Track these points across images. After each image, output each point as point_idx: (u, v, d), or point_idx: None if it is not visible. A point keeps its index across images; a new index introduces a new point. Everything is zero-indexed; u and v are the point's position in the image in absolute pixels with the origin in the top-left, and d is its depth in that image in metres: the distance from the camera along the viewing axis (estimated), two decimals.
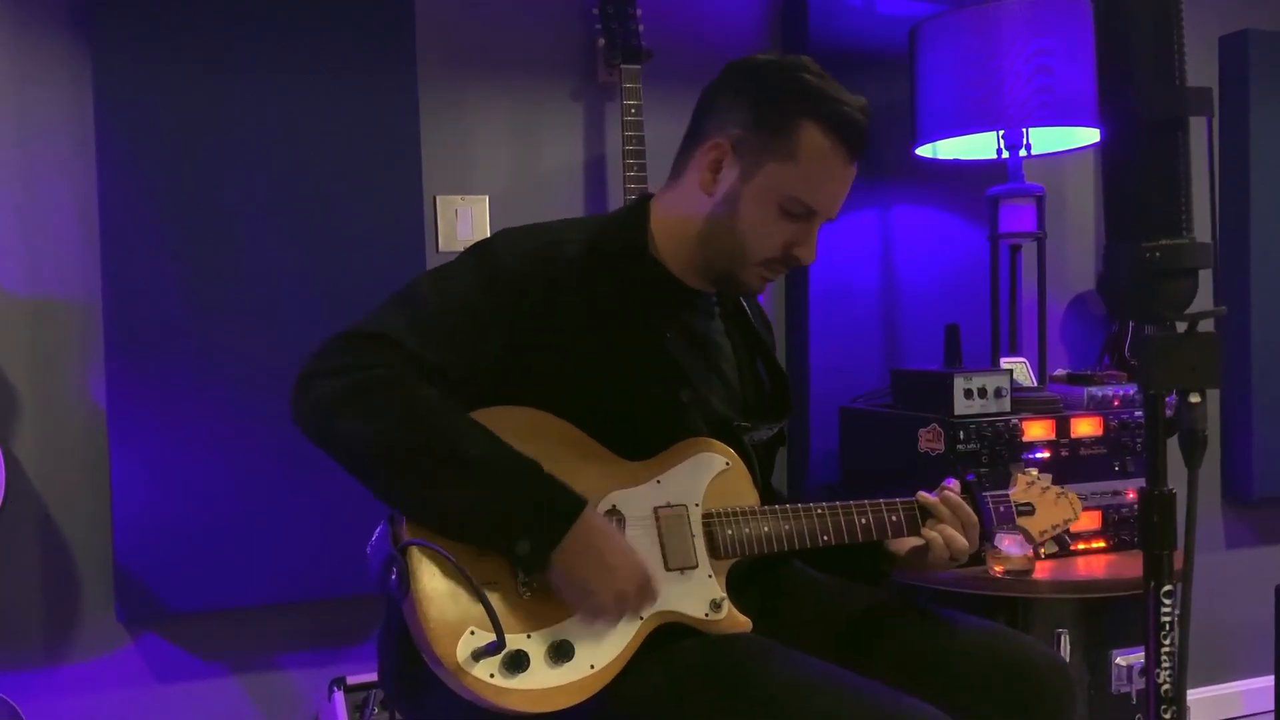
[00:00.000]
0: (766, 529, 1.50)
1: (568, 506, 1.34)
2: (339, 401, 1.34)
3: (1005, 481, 1.71)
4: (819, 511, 1.53)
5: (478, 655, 1.30)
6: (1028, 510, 1.67)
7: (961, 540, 1.56)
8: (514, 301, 1.42)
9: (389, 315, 1.42)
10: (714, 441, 1.52)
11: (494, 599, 1.31)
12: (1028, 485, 1.69)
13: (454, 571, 1.31)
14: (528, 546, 1.32)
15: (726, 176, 1.48)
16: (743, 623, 1.46)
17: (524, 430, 1.39)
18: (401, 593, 1.32)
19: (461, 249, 2.43)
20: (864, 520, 1.55)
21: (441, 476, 1.33)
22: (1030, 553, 2.13)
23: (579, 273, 1.46)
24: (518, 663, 1.31)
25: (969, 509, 1.58)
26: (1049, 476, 1.71)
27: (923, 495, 1.59)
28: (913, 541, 1.60)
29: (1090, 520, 2.32)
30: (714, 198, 1.49)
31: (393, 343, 1.37)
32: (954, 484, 1.64)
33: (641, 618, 1.40)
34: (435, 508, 1.35)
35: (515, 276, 1.43)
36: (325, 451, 1.38)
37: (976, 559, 2.10)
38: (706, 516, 1.48)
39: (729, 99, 1.50)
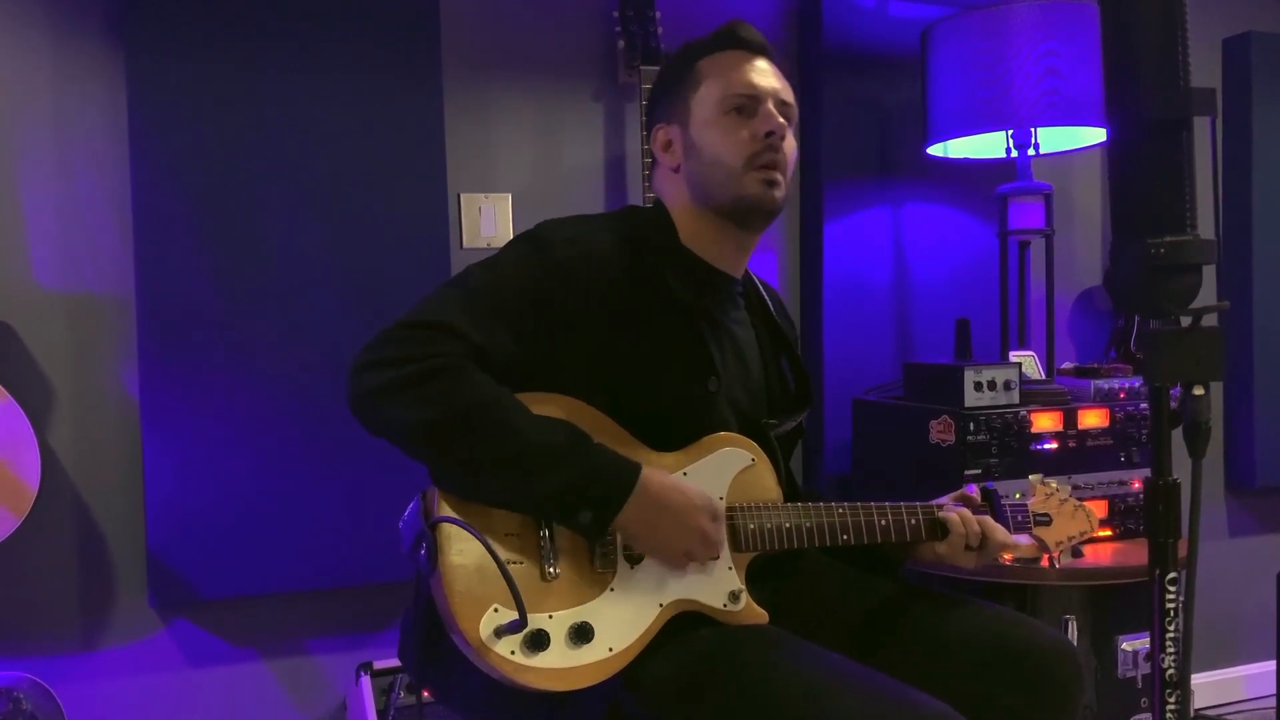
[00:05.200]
0: (787, 525, 1.52)
1: (624, 475, 1.39)
2: (395, 390, 1.36)
3: (1022, 481, 1.70)
4: (840, 510, 1.56)
5: (500, 632, 1.33)
6: (1045, 520, 1.67)
7: (962, 559, 1.60)
8: (561, 285, 1.45)
9: (442, 302, 1.44)
10: (741, 437, 1.54)
11: (519, 578, 1.34)
12: (1046, 496, 1.69)
13: (481, 549, 1.34)
14: (590, 516, 1.36)
15: (675, 140, 1.61)
16: (759, 615, 1.48)
17: (559, 416, 1.42)
18: (430, 567, 1.35)
19: (485, 245, 2.52)
20: (884, 522, 1.58)
21: (499, 459, 1.36)
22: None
23: (621, 262, 1.50)
24: (538, 642, 1.34)
25: (978, 527, 1.59)
26: (1069, 487, 1.71)
27: (943, 513, 1.61)
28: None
29: (1097, 509, 2.32)
30: (679, 161, 1.61)
31: (447, 329, 1.39)
32: (974, 490, 1.66)
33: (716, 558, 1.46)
34: (494, 490, 1.38)
35: (562, 261, 1.47)
36: (384, 438, 1.41)
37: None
38: (729, 510, 1.50)
39: (650, 101, 1.69)
